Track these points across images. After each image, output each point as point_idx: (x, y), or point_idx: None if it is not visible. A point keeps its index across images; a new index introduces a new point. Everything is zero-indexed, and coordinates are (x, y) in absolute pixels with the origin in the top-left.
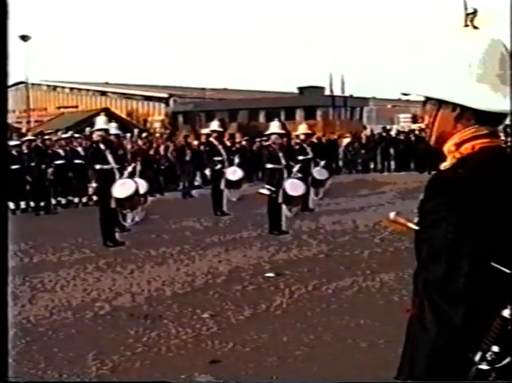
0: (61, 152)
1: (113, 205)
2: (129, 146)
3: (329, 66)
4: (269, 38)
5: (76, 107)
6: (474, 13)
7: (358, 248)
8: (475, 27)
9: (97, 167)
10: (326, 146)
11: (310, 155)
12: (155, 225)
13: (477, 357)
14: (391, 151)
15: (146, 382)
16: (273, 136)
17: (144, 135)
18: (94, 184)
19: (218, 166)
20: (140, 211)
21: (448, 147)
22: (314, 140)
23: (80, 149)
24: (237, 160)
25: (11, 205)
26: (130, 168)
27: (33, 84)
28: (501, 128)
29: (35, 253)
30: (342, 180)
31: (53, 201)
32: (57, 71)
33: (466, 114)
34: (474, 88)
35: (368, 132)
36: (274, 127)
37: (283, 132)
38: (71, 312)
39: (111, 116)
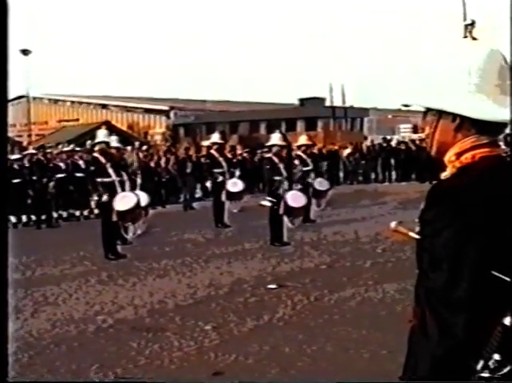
0: (62, 165)
1: (115, 218)
2: (130, 159)
3: (330, 77)
4: (270, 50)
5: (77, 120)
6: (473, 24)
7: (360, 259)
8: (474, 38)
9: (98, 180)
10: (327, 157)
11: (311, 167)
12: (157, 237)
13: (479, 366)
14: (392, 161)
15: (141, 382)
16: (274, 148)
17: (145, 147)
18: (95, 197)
19: (219, 178)
20: (142, 223)
21: (449, 157)
22: (315, 151)
23: (81, 162)
24: (238, 172)
25: (13, 219)
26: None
27: (34, 97)
28: (501, 137)
29: (37, 266)
30: (343, 191)
31: (55, 214)
32: (58, 85)
33: (466, 124)
34: (474, 98)
35: (368, 142)
36: (275, 138)
37: (284, 143)
38: (73, 325)
39: (112, 129)
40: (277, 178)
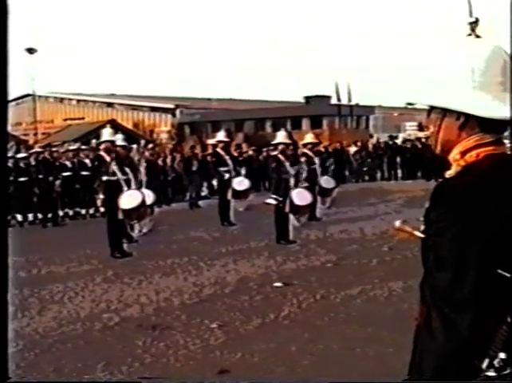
0: (68, 163)
1: (120, 216)
2: (136, 157)
3: (335, 75)
4: (275, 48)
5: (83, 119)
6: (476, 22)
7: (366, 257)
8: (478, 36)
9: (104, 178)
10: (333, 155)
11: (317, 165)
12: (163, 236)
13: (484, 365)
14: (398, 159)
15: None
16: (280, 146)
17: (151, 146)
18: (101, 196)
19: (225, 176)
20: (148, 221)
21: (453, 155)
22: (321, 148)
23: (87, 161)
24: (243, 170)
25: (19, 217)
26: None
27: (39, 96)
28: (506, 134)
29: (43, 265)
30: (349, 189)
31: (61, 213)
32: (64, 83)
33: (471, 122)
34: (478, 96)
35: (374, 140)
36: (281, 137)
37: (289, 141)
38: (79, 323)
39: (117, 128)
40: (282, 176)
